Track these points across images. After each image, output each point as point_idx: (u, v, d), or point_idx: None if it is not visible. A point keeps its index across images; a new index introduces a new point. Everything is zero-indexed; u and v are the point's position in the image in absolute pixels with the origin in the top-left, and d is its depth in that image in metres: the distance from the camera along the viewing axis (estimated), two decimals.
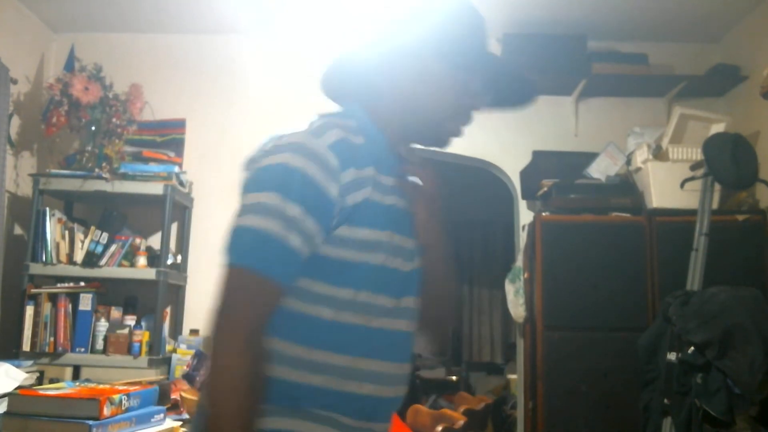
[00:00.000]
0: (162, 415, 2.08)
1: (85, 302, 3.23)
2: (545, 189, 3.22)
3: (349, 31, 3.42)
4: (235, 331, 0.99)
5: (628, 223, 3.04)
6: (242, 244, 1.03)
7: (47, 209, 3.24)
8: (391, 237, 1.10)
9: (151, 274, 3.23)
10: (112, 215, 3.40)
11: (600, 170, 3.26)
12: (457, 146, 1.24)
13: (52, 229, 3.23)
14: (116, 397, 1.87)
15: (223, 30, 3.70)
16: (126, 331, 3.21)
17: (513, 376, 4.88)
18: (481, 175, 3.96)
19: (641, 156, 3.14)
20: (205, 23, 3.64)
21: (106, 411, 1.81)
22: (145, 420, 1.99)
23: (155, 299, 3.21)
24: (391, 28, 1.20)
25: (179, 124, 3.67)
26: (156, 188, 3.27)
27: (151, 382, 2.38)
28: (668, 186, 2.98)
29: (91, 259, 3.22)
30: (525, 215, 3.58)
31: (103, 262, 3.23)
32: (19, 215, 3.41)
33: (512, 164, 3.65)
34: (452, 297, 1.33)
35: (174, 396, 2.46)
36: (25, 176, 3.45)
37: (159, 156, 3.49)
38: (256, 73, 3.74)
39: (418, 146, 1.25)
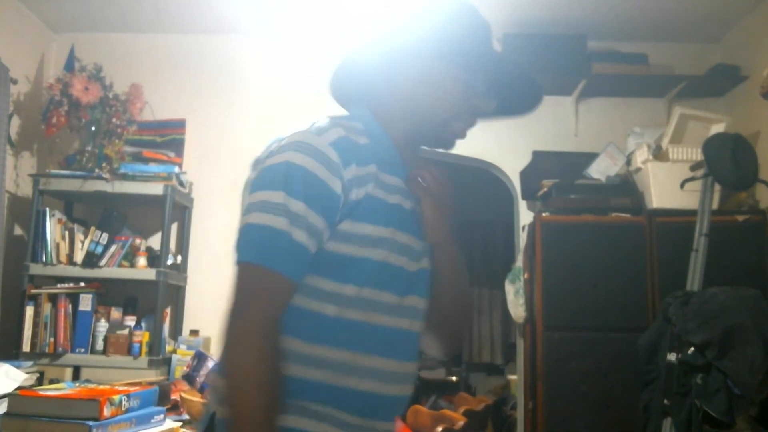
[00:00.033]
0: (162, 416, 2.07)
1: (85, 303, 3.23)
2: (545, 189, 3.22)
3: (349, 32, 3.42)
4: (249, 327, 1.00)
5: (628, 224, 3.04)
6: (249, 241, 1.05)
7: (47, 209, 3.23)
8: (394, 234, 1.11)
9: (151, 274, 3.23)
10: (112, 215, 3.40)
11: (600, 170, 3.26)
12: (458, 146, 1.24)
13: (52, 229, 3.23)
14: (116, 397, 1.87)
15: (223, 30, 3.70)
16: (126, 331, 3.21)
17: (513, 377, 4.88)
18: (481, 175, 3.95)
19: (641, 156, 3.13)
20: (205, 23, 3.64)
21: (106, 412, 1.81)
22: (145, 421, 1.99)
23: (155, 300, 3.21)
24: (391, 29, 1.20)
25: (179, 124, 3.67)
26: (156, 188, 3.27)
27: (151, 383, 2.38)
28: (668, 186, 2.98)
29: (91, 260, 3.22)
30: (525, 215, 3.58)
31: (103, 262, 3.23)
32: (19, 215, 3.41)
33: (512, 164, 3.65)
34: (468, 301, 1.33)
35: (174, 397, 2.46)
36: (25, 176, 3.45)
37: (159, 156, 3.49)
38: (256, 73, 3.74)
39: (424, 147, 1.25)
